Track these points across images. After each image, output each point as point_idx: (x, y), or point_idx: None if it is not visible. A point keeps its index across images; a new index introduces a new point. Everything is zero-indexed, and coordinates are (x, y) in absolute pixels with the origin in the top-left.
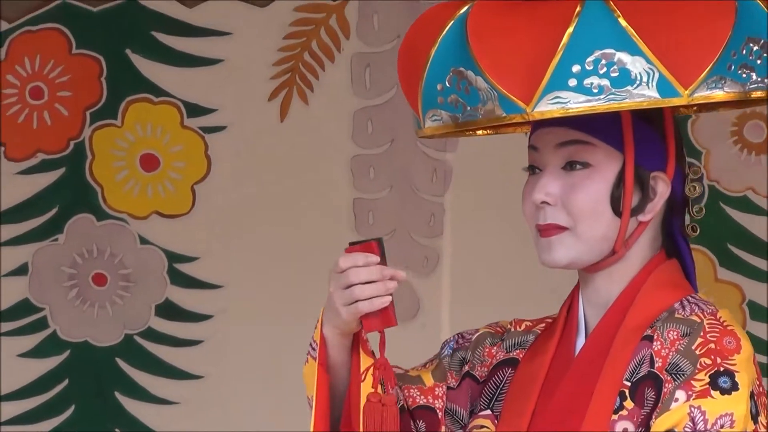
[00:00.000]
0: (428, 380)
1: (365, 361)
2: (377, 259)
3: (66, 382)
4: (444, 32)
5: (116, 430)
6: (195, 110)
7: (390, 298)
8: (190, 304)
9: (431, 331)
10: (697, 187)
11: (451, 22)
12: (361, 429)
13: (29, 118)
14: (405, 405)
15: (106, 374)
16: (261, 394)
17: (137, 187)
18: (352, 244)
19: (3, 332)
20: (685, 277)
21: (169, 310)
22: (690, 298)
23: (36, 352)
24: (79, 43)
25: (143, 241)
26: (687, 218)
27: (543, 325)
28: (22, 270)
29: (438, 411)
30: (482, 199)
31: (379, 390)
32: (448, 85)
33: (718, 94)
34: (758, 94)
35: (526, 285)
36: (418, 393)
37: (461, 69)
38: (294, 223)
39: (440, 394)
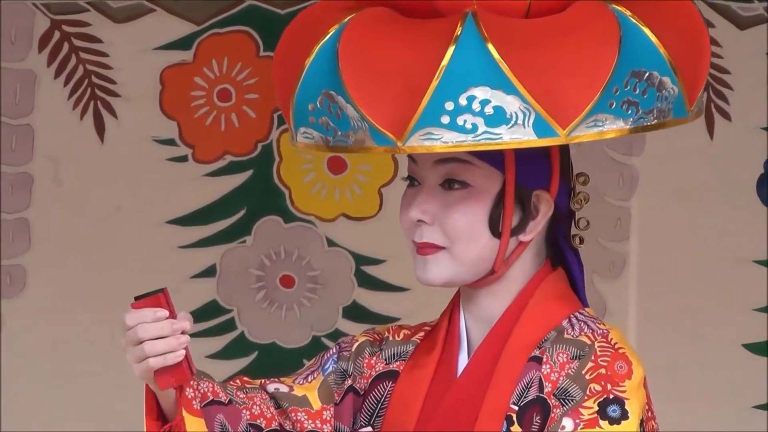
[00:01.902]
0: (315, 402)
1: (190, 422)
2: (166, 313)
3: None
4: (318, 47)
5: None
6: None
7: (183, 352)
8: (376, 306)
9: None
10: (583, 201)
11: (328, 36)
12: None
13: (217, 120)
14: (293, 430)
15: None
16: None
17: (324, 190)
18: (137, 298)
19: (191, 334)
20: (573, 286)
21: (356, 312)
22: (578, 315)
23: (224, 354)
24: (266, 45)
25: (331, 243)
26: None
27: (422, 333)
28: (210, 272)
29: None
30: (668, 203)
31: None
32: (319, 106)
33: (599, 131)
34: (644, 126)
35: (714, 288)
36: (306, 417)
37: (332, 93)
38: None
39: (328, 418)
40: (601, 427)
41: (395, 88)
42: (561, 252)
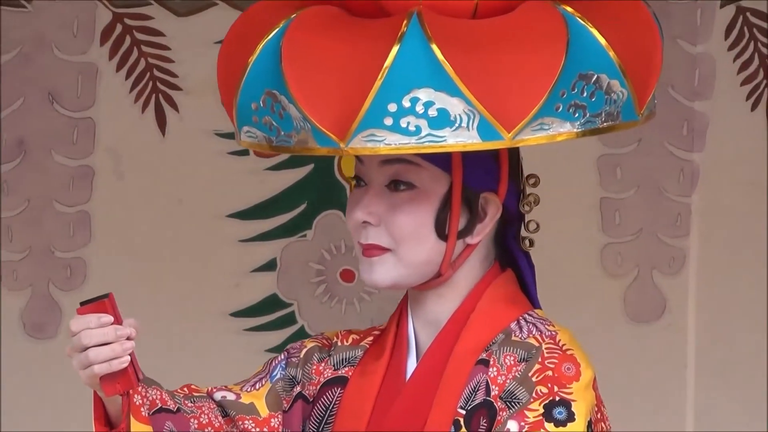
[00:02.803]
0: (263, 410)
1: (138, 428)
2: (111, 319)
3: None
4: (262, 45)
5: None
6: None
7: (128, 358)
8: None
9: (677, 331)
10: (533, 203)
11: (271, 34)
12: None
13: None
14: None
15: None
16: None
17: None
18: (82, 303)
19: (251, 327)
20: (524, 288)
21: None
22: (527, 317)
23: (284, 347)
24: None
25: None
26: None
27: (371, 338)
28: (270, 266)
29: None
30: (729, 199)
31: None
32: (262, 105)
33: (545, 135)
34: (593, 130)
35: None
36: (253, 425)
37: (275, 92)
38: (542, 220)
39: (276, 426)
40: (546, 429)
41: (338, 88)
42: (511, 254)
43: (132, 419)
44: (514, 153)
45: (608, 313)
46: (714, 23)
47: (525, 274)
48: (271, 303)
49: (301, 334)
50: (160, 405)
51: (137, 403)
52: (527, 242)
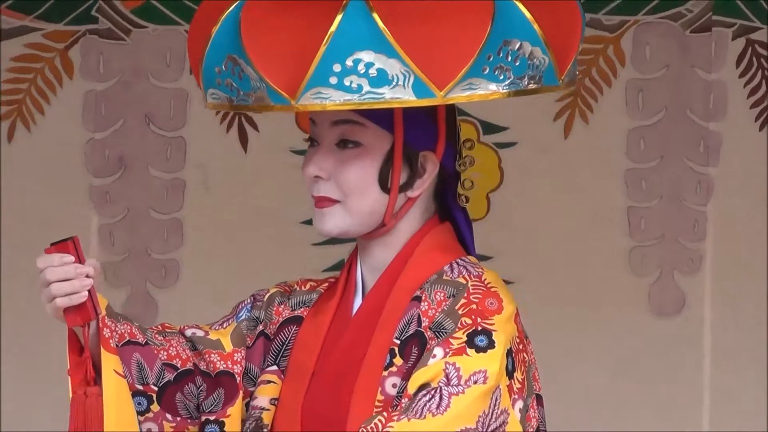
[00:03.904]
0: (228, 345)
1: (106, 358)
2: (72, 258)
3: None
4: (224, 16)
5: None
6: (490, 128)
7: (86, 293)
8: None
9: (694, 323)
10: (467, 164)
11: (231, 8)
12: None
13: None
14: (207, 370)
15: None
16: (548, 378)
17: None
18: (52, 244)
19: None
20: (460, 240)
21: None
22: (459, 261)
23: None
24: None
25: None
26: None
27: (326, 284)
28: (339, 266)
29: (236, 376)
30: (740, 207)
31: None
32: (224, 69)
33: (473, 94)
34: (517, 91)
35: None
36: (218, 358)
37: (235, 56)
38: (573, 227)
39: (239, 360)
40: (468, 354)
41: (290, 52)
42: (449, 209)
43: (102, 350)
44: (450, 117)
45: (634, 308)
46: (726, 54)
47: (461, 226)
48: None
49: None
50: (128, 338)
51: (106, 335)
52: (463, 198)
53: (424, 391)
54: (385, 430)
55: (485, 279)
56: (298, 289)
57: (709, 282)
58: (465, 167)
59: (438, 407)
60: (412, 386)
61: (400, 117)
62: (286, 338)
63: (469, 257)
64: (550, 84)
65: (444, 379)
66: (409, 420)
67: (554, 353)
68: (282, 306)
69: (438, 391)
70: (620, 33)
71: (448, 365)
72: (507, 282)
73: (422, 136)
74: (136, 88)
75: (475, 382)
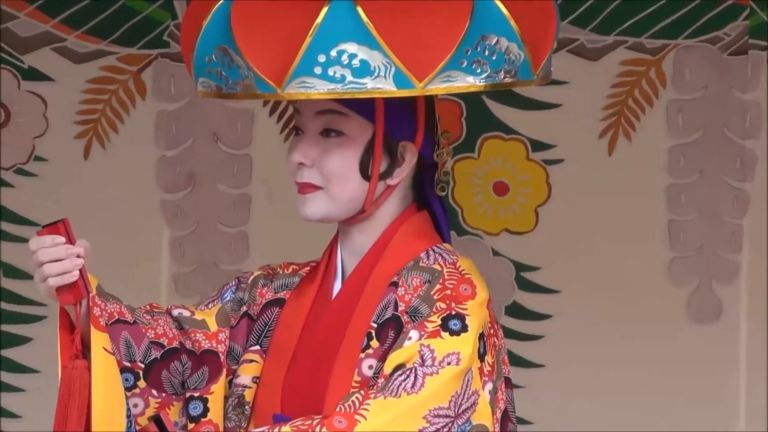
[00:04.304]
0: (212, 325)
1: (96, 336)
2: (63, 239)
3: None
4: (215, 8)
5: None
6: (538, 146)
7: (77, 273)
8: (532, 305)
9: (731, 330)
10: (445, 154)
11: (221, 1)
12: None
13: None
14: (192, 348)
15: None
16: (591, 381)
17: (490, 209)
18: (44, 227)
19: None
20: (437, 227)
21: (516, 311)
22: (435, 248)
23: None
24: None
25: (495, 253)
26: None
27: (308, 268)
28: None
29: (221, 355)
30: None
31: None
32: (214, 58)
33: (452, 86)
34: (493, 84)
35: None
36: (203, 337)
37: (226, 47)
38: (616, 239)
39: (223, 339)
40: (442, 337)
41: (277, 42)
42: (426, 198)
43: (92, 328)
44: (429, 109)
45: (674, 316)
46: (762, 75)
47: (438, 215)
48: None
49: None
50: (117, 317)
51: (96, 314)
52: (441, 187)
53: (399, 372)
54: (362, 407)
55: (460, 266)
56: (281, 272)
57: (744, 291)
58: (443, 157)
59: (413, 386)
60: (388, 367)
61: (381, 108)
62: (269, 319)
63: (445, 245)
64: (525, 78)
65: (419, 360)
66: (385, 398)
67: (598, 357)
68: (265, 288)
69: (413, 371)
70: (661, 56)
71: (423, 347)
72: (552, 291)
73: (402, 126)
74: (204, 109)
75: (449, 364)
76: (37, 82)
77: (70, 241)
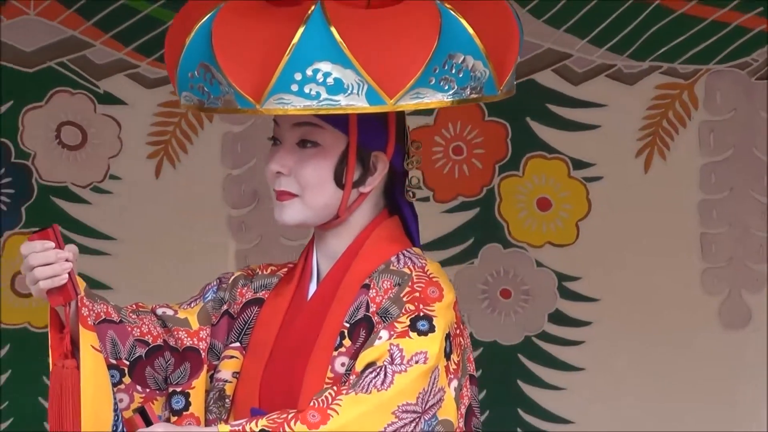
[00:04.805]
0: (194, 323)
1: (84, 334)
2: (53, 244)
3: (479, 372)
4: (197, 27)
5: (518, 409)
6: (579, 164)
7: (66, 276)
8: (574, 313)
9: (759, 336)
10: (415, 163)
11: (203, 20)
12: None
13: (452, 169)
14: (175, 345)
15: (510, 366)
16: (629, 384)
17: (534, 224)
18: (34, 233)
19: None
20: (407, 232)
21: (558, 318)
22: (406, 252)
23: None
24: (490, 112)
25: (539, 264)
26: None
27: (285, 269)
28: None
29: (202, 351)
30: None
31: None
32: (197, 74)
33: (421, 102)
34: (461, 100)
35: None
36: (186, 335)
37: (207, 64)
38: (652, 251)
39: (204, 337)
40: (410, 337)
41: (256, 61)
42: (397, 204)
43: (80, 327)
44: (400, 121)
45: (707, 323)
46: None
47: (408, 220)
48: None
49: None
50: (104, 317)
51: (84, 314)
52: (411, 194)
53: (370, 369)
54: (334, 402)
55: (428, 270)
56: (260, 273)
57: None
58: (412, 166)
59: (383, 383)
60: (359, 364)
61: (355, 121)
62: (249, 318)
63: (414, 249)
64: (490, 94)
65: (389, 358)
66: (356, 394)
67: (635, 361)
68: (245, 288)
69: (383, 369)
70: (694, 80)
71: (392, 346)
72: (592, 300)
73: (374, 138)
74: (267, 130)
75: (417, 362)
76: (111, 105)
77: (59, 246)
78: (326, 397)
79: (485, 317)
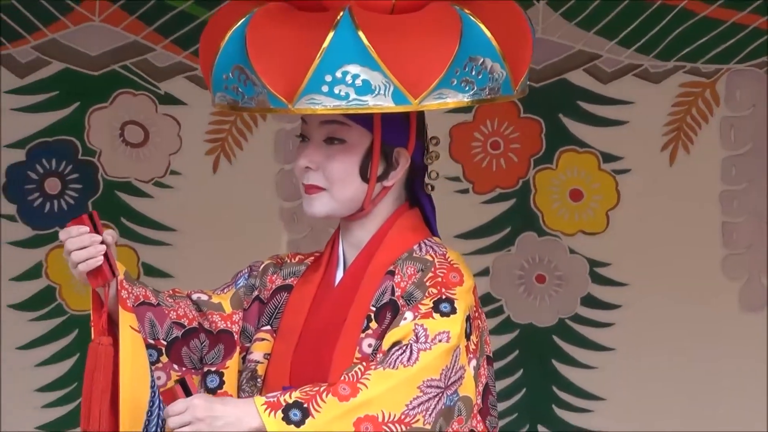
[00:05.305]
0: (227, 308)
1: (123, 315)
2: (87, 228)
3: (516, 352)
4: (231, 32)
5: (552, 386)
6: (608, 158)
7: (101, 258)
8: (604, 297)
9: None
10: (434, 158)
11: (237, 24)
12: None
13: (490, 163)
14: (210, 328)
15: (545, 347)
16: (657, 362)
17: (567, 213)
18: (72, 219)
19: None
20: (427, 223)
21: (590, 301)
22: (427, 241)
23: (494, 332)
24: (525, 109)
25: (571, 251)
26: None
27: (312, 258)
28: (485, 272)
29: (234, 334)
30: None
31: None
32: (231, 76)
33: (443, 102)
34: (480, 100)
35: None
36: (219, 318)
37: (242, 66)
38: (677, 239)
39: (237, 320)
40: (434, 318)
41: (288, 63)
42: (417, 197)
43: (120, 309)
44: (420, 119)
45: (727, 305)
46: None
47: (427, 211)
48: (486, 300)
49: (507, 322)
50: (143, 300)
51: (124, 296)
52: (429, 187)
53: (396, 347)
54: (364, 377)
55: (449, 257)
56: (288, 261)
57: None
58: (432, 161)
59: (408, 360)
60: (386, 344)
61: (379, 119)
62: (279, 303)
63: (434, 238)
64: (507, 94)
65: (414, 337)
66: (384, 369)
67: (662, 341)
68: (275, 275)
69: (408, 347)
70: (715, 79)
71: (417, 326)
72: (622, 284)
73: (396, 135)
74: None
75: (440, 341)
76: (172, 105)
77: (97, 231)
78: (356, 372)
79: (522, 301)
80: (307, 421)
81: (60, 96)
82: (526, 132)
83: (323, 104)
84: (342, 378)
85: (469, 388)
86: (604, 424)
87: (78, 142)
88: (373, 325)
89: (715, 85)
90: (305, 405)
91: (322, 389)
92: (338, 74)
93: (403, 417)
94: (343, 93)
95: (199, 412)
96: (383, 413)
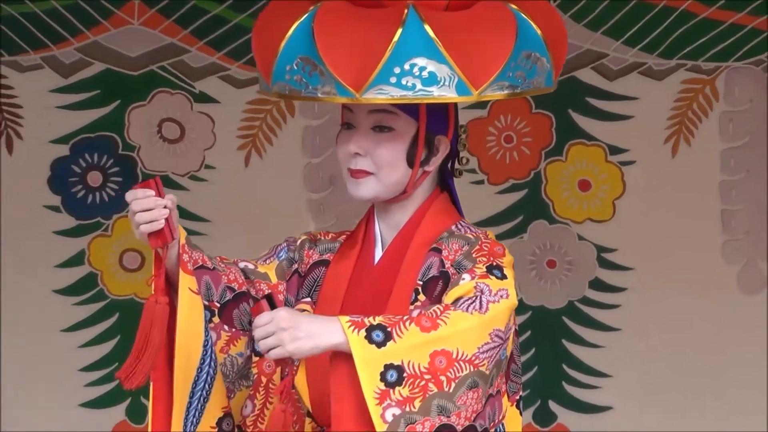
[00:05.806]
0: (273, 278)
1: (183, 278)
2: (152, 192)
3: (528, 333)
4: (295, 26)
5: (563, 364)
6: (614, 150)
7: (164, 221)
8: (612, 280)
9: None
10: (465, 145)
11: (301, 19)
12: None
13: (503, 156)
14: (256, 295)
15: (555, 328)
16: (660, 341)
17: (576, 202)
18: (138, 183)
19: None
20: (454, 204)
21: (598, 285)
22: (461, 223)
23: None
24: (537, 105)
25: (580, 238)
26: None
27: (344, 236)
28: None
29: (278, 303)
30: None
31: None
32: (295, 67)
33: (499, 94)
34: (526, 91)
35: None
36: (266, 287)
37: (308, 57)
38: (679, 226)
39: (282, 290)
40: (491, 278)
41: (356, 56)
42: (446, 181)
43: (180, 271)
44: (456, 110)
45: (727, 288)
46: None
47: (455, 195)
48: None
49: (520, 306)
50: (201, 263)
51: (185, 260)
52: (458, 172)
53: (464, 298)
54: (443, 315)
55: (488, 235)
56: (321, 238)
57: None
58: (463, 148)
59: (480, 308)
60: (449, 299)
61: (424, 108)
62: (317, 277)
63: (465, 219)
64: (548, 86)
65: (479, 291)
66: (462, 312)
67: (665, 322)
68: (311, 251)
69: (478, 298)
70: (715, 76)
71: (479, 283)
72: (627, 268)
73: (439, 123)
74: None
75: (502, 297)
76: (206, 104)
77: (160, 195)
78: (435, 310)
79: (533, 285)
80: (388, 344)
81: (101, 95)
82: (538, 126)
83: (391, 94)
84: (421, 312)
85: (509, 349)
86: (610, 399)
87: (118, 138)
88: (422, 297)
89: (714, 82)
90: (389, 329)
91: (405, 318)
92: (406, 66)
93: (473, 358)
94: (410, 84)
95: (284, 323)
96: (458, 350)
